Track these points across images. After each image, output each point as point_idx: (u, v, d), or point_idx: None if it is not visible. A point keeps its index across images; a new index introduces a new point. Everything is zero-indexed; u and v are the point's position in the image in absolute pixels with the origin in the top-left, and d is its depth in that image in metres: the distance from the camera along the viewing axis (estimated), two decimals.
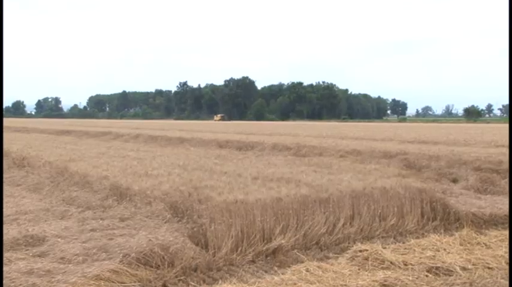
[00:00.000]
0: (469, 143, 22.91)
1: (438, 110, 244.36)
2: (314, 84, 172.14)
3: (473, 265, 6.56)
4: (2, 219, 8.03)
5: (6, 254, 6.37)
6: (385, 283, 5.89)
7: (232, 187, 9.22)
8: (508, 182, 12.91)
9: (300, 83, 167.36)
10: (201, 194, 8.66)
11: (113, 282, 5.80)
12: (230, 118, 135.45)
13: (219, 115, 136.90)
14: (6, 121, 67.22)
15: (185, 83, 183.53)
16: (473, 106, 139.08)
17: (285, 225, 7.86)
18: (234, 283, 6.13)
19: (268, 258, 7.27)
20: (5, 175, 13.82)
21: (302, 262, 6.80)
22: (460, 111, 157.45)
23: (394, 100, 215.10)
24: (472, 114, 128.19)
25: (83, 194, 10.52)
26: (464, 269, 6.39)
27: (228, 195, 8.21)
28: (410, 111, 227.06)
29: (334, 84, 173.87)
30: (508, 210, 9.62)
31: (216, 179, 10.43)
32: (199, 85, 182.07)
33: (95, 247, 6.73)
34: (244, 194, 8.32)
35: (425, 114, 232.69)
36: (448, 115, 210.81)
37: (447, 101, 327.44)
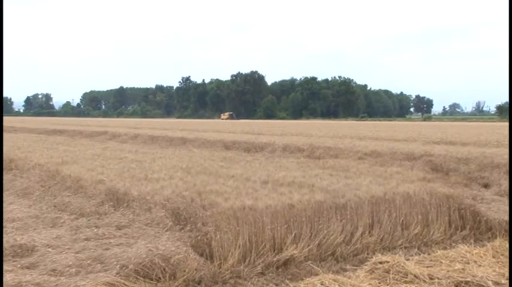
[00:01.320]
0: (503, 143, 22.72)
1: (467, 107, 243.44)
2: (329, 79, 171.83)
3: (507, 279, 6.51)
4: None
5: None
6: None
7: (239, 192, 9.23)
8: None
9: (314, 78, 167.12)
10: (205, 199, 8.67)
11: None
12: (239, 116, 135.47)
13: (226, 113, 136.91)
14: None
15: (188, 78, 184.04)
16: (507, 103, 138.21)
17: (297, 234, 7.85)
18: None
19: (279, 270, 7.27)
20: None
21: (316, 275, 6.78)
22: (492, 109, 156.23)
23: (418, 97, 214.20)
24: (506, 112, 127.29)
25: (76, 199, 10.57)
26: (497, 284, 6.34)
27: (235, 201, 8.22)
28: (436, 108, 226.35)
29: (352, 79, 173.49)
30: None
31: (222, 183, 10.44)
32: (203, 80, 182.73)
33: (89, 257, 6.76)
34: (252, 199, 8.33)
35: (453, 112, 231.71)
36: (479, 113, 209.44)
37: (477, 98, 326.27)
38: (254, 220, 7.64)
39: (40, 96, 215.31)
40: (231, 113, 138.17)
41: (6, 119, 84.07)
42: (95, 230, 8.23)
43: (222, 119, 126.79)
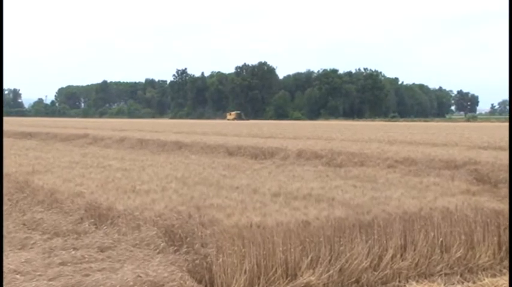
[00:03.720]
0: None
1: None
2: (353, 71, 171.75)
3: None
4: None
5: None
6: None
7: (245, 206, 9.23)
8: None
9: (335, 71, 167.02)
10: (205, 215, 8.67)
11: None
12: (247, 116, 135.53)
13: (233, 112, 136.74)
14: None
15: (184, 71, 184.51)
16: None
17: (314, 257, 7.84)
18: None
19: None
20: None
21: None
22: None
23: (460, 92, 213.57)
24: None
25: (49, 216, 10.59)
26: None
27: (240, 217, 8.22)
28: (483, 106, 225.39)
29: (380, 72, 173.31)
30: None
31: (225, 196, 10.44)
32: (202, 73, 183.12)
33: (65, 285, 6.76)
34: (261, 216, 8.32)
35: (503, 111, 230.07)
36: None
37: None
38: (263, 240, 7.63)
39: (6, 92, 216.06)
40: (239, 112, 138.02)
41: None
42: (73, 252, 8.23)
43: (228, 119, 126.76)
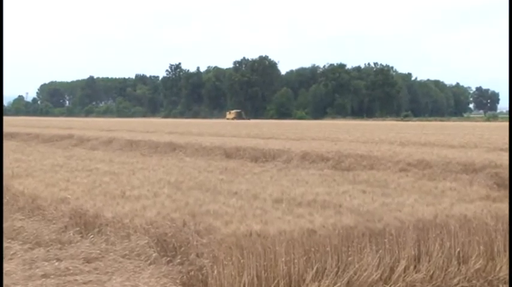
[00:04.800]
0: None
1: None
2: (362, 67, 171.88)
3: None
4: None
5: None
6: None
7: (244, 213, 9.23)
8: None
9: (342, 66, 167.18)
10: (200, 223, 8.67)
11: None
12: (248, 115, 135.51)
13: (233, 111, 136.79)
14: None
15: (178, 66, 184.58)
16: None
17: (320, 268, 7.83)
18: None
19: None
20: None
21: None
22: None
23: (479, 89, 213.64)
24: None
25: (31, 224, 10.59)
26: None
27: (239, 225, 8.22)
28: (504, 105, 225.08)
29: (391, 67, 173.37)
30: None
31: (222, 202, 10.44)
32: (198, 69, 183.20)
33: None
34: (262, 223, 8.31)
35: None
36: None
37: None
38: (264, 250, 7.62)
39: None
40: (239, 110, 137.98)
41: None
42: (56, 264, 8.23)
43: (228, 118, 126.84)
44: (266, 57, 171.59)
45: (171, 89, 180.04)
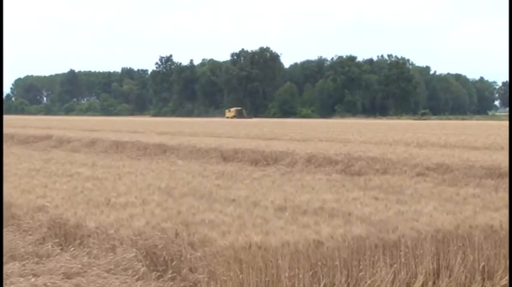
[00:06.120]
0: None
1: None
2: (375, 59, 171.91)
3: None
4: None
5: None
6: None
7: (243, 223, 9.22)
8: None
9: (352, 58, 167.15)
10: (194, 234, 8.66)
11: None
12: (249, 113, 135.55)
13: (233, 109, 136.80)
14: None
15: (169, 59, 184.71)
16: None
17: (328, 284, 7.84)
18: None
19: None
20: None
21: None
22: None
23: (506, 84, 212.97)
24: None
25: (4, 235, 10.51)
26: None
27: (238, 236, 8.21)
28: None
29: (407, 60, 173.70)
30: None
31: (219, 210, 10.44)
32: (191, 61, 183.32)
33: None
34: (263, 234, 8.31)
35: None
36: None
37: None
38: (265, 264, 7.62)
39: None
40: (239, 108, 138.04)
41: None
42: (33, 280, 8.21)
43: (227, 117, 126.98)
44: (267, 49, 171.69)
45: (162, 85, 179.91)
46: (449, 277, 8.59)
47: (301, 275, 7.72)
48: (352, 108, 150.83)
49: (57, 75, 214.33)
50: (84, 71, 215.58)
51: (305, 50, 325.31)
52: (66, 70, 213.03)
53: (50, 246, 9.73)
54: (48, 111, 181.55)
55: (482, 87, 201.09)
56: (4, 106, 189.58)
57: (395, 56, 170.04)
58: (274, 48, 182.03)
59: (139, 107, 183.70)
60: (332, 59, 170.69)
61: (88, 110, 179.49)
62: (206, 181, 15.56)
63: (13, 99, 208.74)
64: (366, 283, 8.01)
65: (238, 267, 7.54)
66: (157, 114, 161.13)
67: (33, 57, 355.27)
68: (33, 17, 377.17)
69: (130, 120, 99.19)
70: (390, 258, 8.36)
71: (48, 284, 8.03)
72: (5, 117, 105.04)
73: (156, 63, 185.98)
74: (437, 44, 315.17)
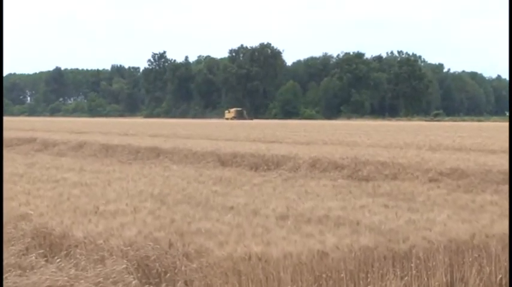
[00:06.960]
0: None
1: None
2: (384, 56, 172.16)
3: None
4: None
5: None
6: None
7: (242, 232, 9.22)
8: None
9: (360, 55, 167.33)
10: (190, 244, 8.66)
11: None
12: (250, 114, 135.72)
13: (232, 110, 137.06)
14: None
15: (163, 56, 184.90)
16: None
17: None
18: None
19: None
20: None
21: None
22: None
23: None
24: None
25: None
26: None
27: (236, 246, 8.22)
28: None
29: (419, 57, 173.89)
30: None
31: (216, 219, 10.44)
32: (186, 59, 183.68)
33: None
34: (263, 244, 8.31)
35: None
36: None
37: None
38: (265, 277, 7.62)
39: None
40: (239, 109, 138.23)
41: None
42: None
43: (227, 118, 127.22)
44: (268, 45, 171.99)
45: (154, 83, 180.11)
46: None
47: None
48: (360, 109, 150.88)
49: (41, 73, 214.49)
50: (71, 69, 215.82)
51: (309, 46, 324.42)
52: (51, 68, 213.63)
53: (34, 257, 9.69)
54: (32, 112, 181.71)
55: (499, 87, 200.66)
56: None
57: (406, 53, 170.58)
58: (276, 45, 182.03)
59: (131, 107, 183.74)
60: (338, 55, 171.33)
61: (75, 111, 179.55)
62: (202, 187, 15.55)
63: None
64: None
65: (237, 280, 7.53)
66: (149, 115, 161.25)
67: (16, 54, 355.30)
68: (15, 12, 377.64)
69: (121, 121, 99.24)
70: (400, 270, 8.36)
71: None
72: None
73: (149, 60, 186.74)
74: (451, 40, 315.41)
